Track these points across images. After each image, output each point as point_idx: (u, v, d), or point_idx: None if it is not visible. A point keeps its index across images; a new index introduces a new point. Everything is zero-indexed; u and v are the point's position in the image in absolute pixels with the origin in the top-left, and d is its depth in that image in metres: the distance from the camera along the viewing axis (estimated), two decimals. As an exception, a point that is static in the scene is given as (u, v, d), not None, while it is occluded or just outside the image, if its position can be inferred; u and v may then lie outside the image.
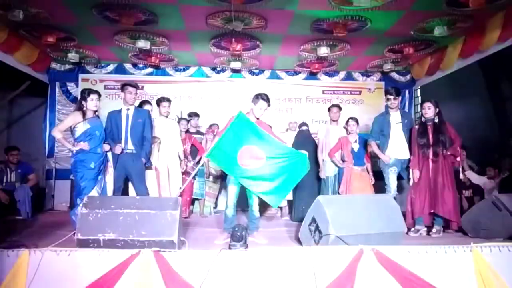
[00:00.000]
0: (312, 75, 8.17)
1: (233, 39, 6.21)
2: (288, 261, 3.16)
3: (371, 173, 5.55)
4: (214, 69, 8.03)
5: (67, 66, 7.69)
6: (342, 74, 8.22)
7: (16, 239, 4.06)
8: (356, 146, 5.53)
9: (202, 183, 6.30)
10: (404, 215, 4.39)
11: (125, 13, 5.31)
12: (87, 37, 6.30)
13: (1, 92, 7.83)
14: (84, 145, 4.46)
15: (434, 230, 4.56)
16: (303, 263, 3.12)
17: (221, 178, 6.52)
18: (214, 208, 6.75)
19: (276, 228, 5.25)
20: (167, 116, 5.59)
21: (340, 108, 6.07)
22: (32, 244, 3.45)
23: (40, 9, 5.20)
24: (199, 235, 4.61)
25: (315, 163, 6.03)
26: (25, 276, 3.00)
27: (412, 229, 4.64)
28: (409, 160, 4.94)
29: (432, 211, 4.60)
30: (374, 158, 5.63)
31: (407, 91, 8.29)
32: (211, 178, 6.53)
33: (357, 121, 5.64)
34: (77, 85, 7.80)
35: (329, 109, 6.09)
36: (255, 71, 8.08)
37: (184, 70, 7.99)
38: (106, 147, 4.58)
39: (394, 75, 8.16)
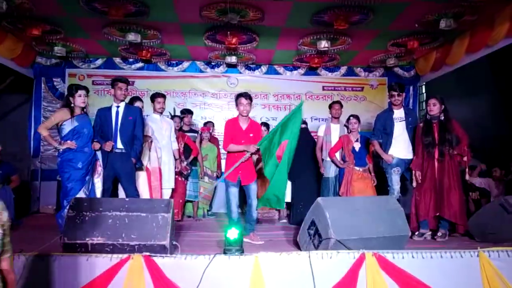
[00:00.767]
0: (312, 70, 8.17)
1: (229, 32, 6.19)
2: (286, 266, 3.17)
3: (373, 174, 5.56)
4: (208, 63, 8.01)
5: (53, 61, 7.65)
6: (343, 69, 8.22)
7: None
8: (357, 146, 5.53)
9: (195, 184, 6.29)
10: (408, 218, 4.40)
11: (115, 4, 5.28)
12: (75, 29, 6.27)
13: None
14: (71, 144, 4.44)
15: (439, 234, 4.56)
16: (301, 269, 3.13)
17: (216, 179, 6.52)
18: (209, 210, 6.74)
19: (274, 231, 5.27)
20: (161, 113, 5.57)
21: (341, 105, 6.07)
22: (16, 249, 3.43)
23: (24, 0, 5.16)
24: (193, 239, 4.61)
25: (314, 163, 6.04)
26: (8, 283, 2.99)
27: (417, 233, 4.64)
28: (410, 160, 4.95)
29: (437, 214, 4.60)
30: (376, 158, 5.64)
31: (411, 87, 8.29)
32: (206, 179, 6.52)
33: (358, 119, 5.65)
34: (63, 81, 7.78)
35: (330, 106, 6.09)
36: (251, 65, 8.08)
37: (177, 64, 7.97)
38: (97, 145, 4.57)
39: (398, 70, 8.16)
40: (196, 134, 6.53)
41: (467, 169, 4.74)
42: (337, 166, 5.69)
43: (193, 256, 3.18)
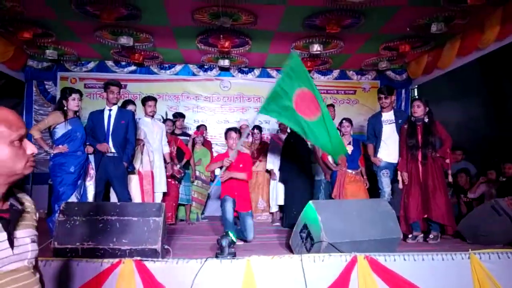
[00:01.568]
0: (305, 74, 8.17)
1: (221, 36, 6.19)
2: (278, 270, 3.16)
3: (365, 177, 5.57)
4: (201, 67, 8.00)
5: (45, 64, 7.59)
6: (336, 72, 8.24)
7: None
8: (349, 148, 5.54)
9: (187, 188, 6.27)
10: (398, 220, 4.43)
11: (106, 7, 5.26)
12: (66, 33, 6.23)
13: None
14: (63, 148, 4.42)
15: (431, 236, 4.58)
16: (294, 272, 3.13)
17: (210, 184, 6.52)
18: (202, 214, 6.73)
19: (267, 234, 5.26)
20: (153, 116, 5.56)
21: (334, 109, 6.15)
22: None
23: (15, 3, 5.13)
24: (185, 242, 4.59)
25: (307, 166, 6.05)
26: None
27: (410, 235, 4.66)
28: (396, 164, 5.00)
29: (425, 216, 4.63)
30: (368, 161, 5.66)
31: (403, 91, 8.33)
32: (198, 182, 6.50)
33: (351, 122, 5.67)
34: (55, 84, 7.73)
35: None
36: (244, 69, 8.08)
37: (169, 68, 7.96)
38: (90, 149, 4.56)
39: (390, 73, 8.20)
40: (188, 138, 6.52)
41: (449, 171, 4.76)
42: (329, 169, 5.70)
43: (185, 260, 3.16)
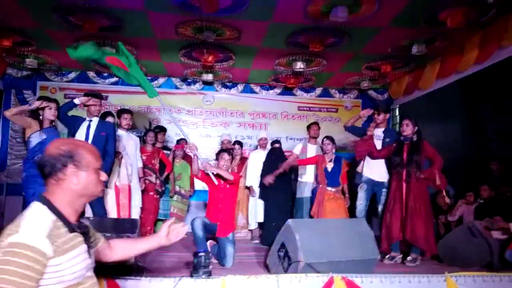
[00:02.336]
0: (288, 90, 8.23)
1: (205, 50, 6.19)
2: (255, 289, 3.09)
3: (347, 195, 5.56)
4: (184, 80, 7.96)
5: (24, 73, 7.44)
6: (319, 90, 8.31)
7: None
8: (330, 166, 5.55)
9: (166, 203, 6.18)
10: (378, 240, 4.41)
11: (89, 18, 5.20)
12: (47, 42, 6.13)
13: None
14: (39, 103, 4.42)
15: (409, 258, 4.53)
16: (270, 292, 3.06)
17: (189, 199, 6.44)
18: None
19: (244, 252, 5.18)
20: (127, 129, 5.46)
21: (319, 127, 6.22)
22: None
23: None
24: (161, 259, 4.48)
25: (287, 183, 6.03)
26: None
27: (387, 256, 4.63)
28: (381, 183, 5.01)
29: (404, 237, 4.60)
30: (351, 179, 5.68)
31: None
32: (177, 197, 6.40)
33: (332, 140, 5.68)
34: (34, 93, 7.58)
35: (308, 127, 6.21)
36: (228, 84, 8.08)
37: (152, 80, 7.86)
38: None
39: (372, 93, 8.30)
40: (169, 152, 6.44)
41: (443, 193, 4.75)
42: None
43: (158, 279, 3.06)
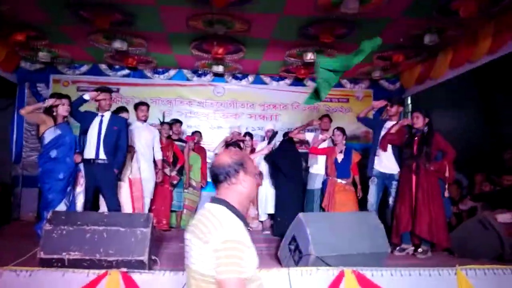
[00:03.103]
0: (298, 81, 8.19)
1: (215, 42, 6.19)
2: (266, 283, 3.14)
3: (359, 187, 5.57)
4: (195, 72, 7.98)
5: (38, 66, 7.52)
6: (330, 80, 8.24)
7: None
8: (340, 157, 5.55)
9: (180, 194, 6.26)
10: (389, 231, 4.42)
11: (101, 13, 5.24)
12: (60, 36, 6.19)
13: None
14: (53, 101, 4.52)
15: (420, 250, 4.55)
16: (281, 286, 3.12)
17: (201, 190, 6.51)
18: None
19: (256, 243, 5.19)
20: (144, 121, 5.56)
21: (331, 119, 6.27)
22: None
23: (8, 6, 5.09)
24: (174, 251, 4.56)
25: (299, 174, 6.06)
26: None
27: (398, 248, 4.65)
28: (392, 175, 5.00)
29: (411, 229, 4.60)
30: (363, 170, 5.69)
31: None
32: (189, 189, 6.48)
33: (343, 131, 5.69)
34: (47, 86, 7.67)
35: (320, 119, 6.19)
36: (238, 75, 8.07)
37: (163, 72, 7.93)
38: (78, 158, 4.53)
39: (383, 82, 8.22)
40: (184, 144, 6.50)
41: (446, 186, 4.72)
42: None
43: (172, 272, 3.14)
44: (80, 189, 4.64)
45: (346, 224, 3.73)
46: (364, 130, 7.74)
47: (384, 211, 5.62)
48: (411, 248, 4.65)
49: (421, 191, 4.54)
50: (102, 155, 4.61)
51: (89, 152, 4.56)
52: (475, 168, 7.26)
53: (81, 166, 4.63)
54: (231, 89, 8.14)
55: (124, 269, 3.06)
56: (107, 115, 4.81)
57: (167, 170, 5.87)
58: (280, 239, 4.44)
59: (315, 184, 5.90)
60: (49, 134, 4.44)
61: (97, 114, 4.81)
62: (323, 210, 5.50)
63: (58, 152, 4.40)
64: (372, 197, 5.08)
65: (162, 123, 6.29)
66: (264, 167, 6.32)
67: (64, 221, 3.33)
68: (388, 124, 5.17)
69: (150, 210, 5.35)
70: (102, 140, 4.66)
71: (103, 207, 4.74)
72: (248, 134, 6.89)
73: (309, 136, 6.24)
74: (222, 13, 5.16)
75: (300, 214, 3.65)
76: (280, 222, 5.65)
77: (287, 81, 8.19)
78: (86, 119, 4.78)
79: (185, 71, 7.96)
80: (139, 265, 3.18)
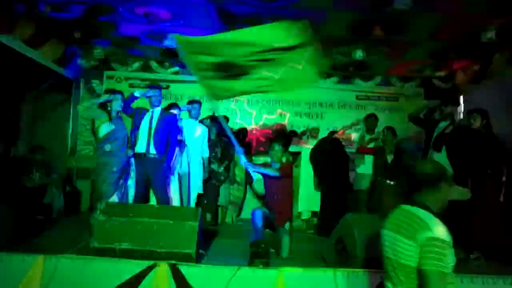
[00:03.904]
0: (346, 79, 8.06)
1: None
2: (311, 282, 3.13)
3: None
4: (243, 69, 8.02)
5: (92, 63, 7.84)
6: (378, 78, 8.06)
7: (36, 241, 4.21)
8: (390, 157, 5.42)
9: (227, 191, 6.34)
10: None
11: (151, 10, 5.38)
12: (114, 34, 6.43)
13: (26, 88, 8.09)
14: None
15: (472, 256, 4.37)
16: (326, 286, 3.09)
17: (245, 186, 6.55)
18: (237, 217, 6.77)
19: (300, 242, 5.20)
20: (196, 118, 5.68)
21: (377, 118, 6.09)
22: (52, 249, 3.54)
23: (68, 6, 5.35)
24: (221, 246, 4.63)
25: (345, 174, 5.97)
26: (39, 283, 3.10)
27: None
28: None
29: (468, 234, 4.40)
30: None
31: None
32: (235, 185, 6.56)
33: (392, 130, 5.54)
34: (101, 83, 7.99)
35: (365, 118, 6.06)
36: (285, 73, 8.04)
37: (212, 70, 8.02)
38: (130, 152, 4.69)
39: (436, 81, 7.91)
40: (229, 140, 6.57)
41: (502, 190, 4.48)
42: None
43: (218, 267, 3.19)
44: (131, 182, 4.79)
45: (394, 226, 3.62)
46: (415, 130, 7.50)
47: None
48: (463, 254, 4.46)
49: (479, 196, 4.34)
50: (153, 150, 4.73)
51: (140, 147, 4.70)
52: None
53: (133, 160, 4.78)
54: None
55: (173, 261, 3.14)
56: (157, 111, 4.92)
57: (214, 166, 5.96)
58: (325, 239, 4.40)
59: (362, 184, 5.79)
60: (104, 129, 4.62)
61: (148, 110, 4.94)
62: (370, 211, 5.39)
63: (112, 146, 4.57)
64: None
65: (213, 121, 6.37)
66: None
67: (117, 213, 3.46)
68: (442, 124, 4.98)
69: (197, 204, 5.45)
70: (152, 135, 4.78)
71: (152, 200, 4.88)
72: (293, 132, 6.86)
73: (355, 136, 6.14)
74: (271, 9, 5.15)
75: (348, 215, 3.60)
76: (325, 222, 5.58)
77: (334, 79, 8.08)
78: (138, 115, 4.92)
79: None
80: (187, 258, 3.24)
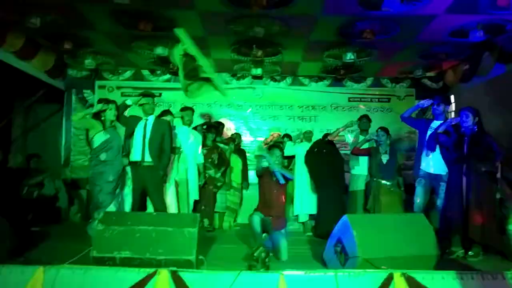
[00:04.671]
0: (337, 82, 8.12)
1: (254, 45, 6.24)
2: (312, 285, 3.13)
3: (402, 189, 5.45)
4: (234, 75, 8.06)
5: (84, 73, 7.85)
6: (370, 80, 8.14)
7: (32, 252, 4.17)
8: (385, 158, 5.46)
9: (223, 196, 6.34)
10: (437, 233, 4.29)
11: (143, 20, 5.39)
12: (104, 43, 6.43)
13: (17, 99, 8.05)
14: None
15: (471, 253, 4.40)
16: (329, 287, 3.09)
17: (241, 191, 6.56)
18: (234, 222, 6.76)
19: (299, 245, 5.22)
20: (189, 125, 5.68)
21: (370, 119, 6.16)
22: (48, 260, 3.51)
23: (57, 16, 5.33)
24: (220, 252, 4.63)
25: (340, 175, 6.00)
26: (40, 294, 3.06)
27: (447, 250, 4.51)
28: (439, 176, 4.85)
29: (465, 231, 4.44)
30: (405, 171, 5.56)
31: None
32: (230, 190, 6.55)
33: (386, 131, 5.59)
34: (93, 92, 7.97)
35: (359, 119, 6.12)
36: (277, 77, 8.09)
37: (202, 76, 8.04)
38: (125, 161, 4.68)
39: (426, 81, 8.02)
40: (226, 147, 6.58)
41: (498, 186, 4.53)
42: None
43: (219, 272, 3.18)
44: (127, 190, 4.78)
45: (393, 225, 3.65)
46: (407, 130, 7.58)
47: (429, 213, 5.47)
48: (461, 251, 4.50)
49: (475, 193, 4.38)
50: (148, 158, 4.72)
51: (135, 155, 4.69)
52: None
53: (128, 168, 4.77)
54: (269, 91, 8.17)
55: (173, 268, 3.12)
56: (151, 119, 4.92)
57: (211, 172, 5.97)
58: (323, 241, 4.41)
59: (358, 185, 5.83)
60: (98, 138, 4.61)
61: (141, 118, 4.93)
62: (366, 212, 5.42)
63: (107, 155, 4.57)
64: (419, 198, 4.94)
65: (209, 127, 6.39)
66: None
67: (115, 222, 3.44)
68: (434, 123, 5.03)
69: (194, 210, 5.45)
70: (147, 143, 4.78)
71: (150, 207, 4.86)
72: (287, 135, 6.89)
73: (348, 137, 6.17)
74: (261, 15, 5.19)
75: (346, 216, 3.61)
76: (322, 223, 5.60)
77: (326, 82, 8.15)
78: (131, 123, 4.92)
79: (224, 74, 8.05)
80: (187, 265, 3.23)
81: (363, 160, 5.84)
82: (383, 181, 5.33)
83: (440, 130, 4.80)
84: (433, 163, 4.90)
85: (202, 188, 5.76)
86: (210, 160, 5.98)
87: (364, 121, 6.11)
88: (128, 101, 4.91)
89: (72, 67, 7.73)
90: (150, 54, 6.64)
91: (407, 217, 4.18)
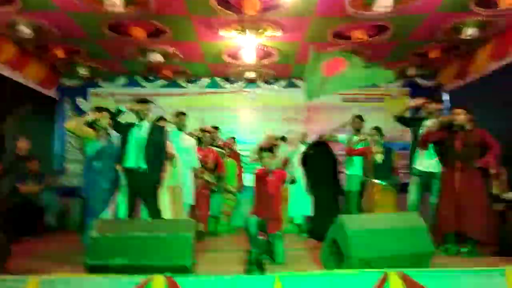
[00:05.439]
0: (331, 83, 8.14)
1: (247, 49, 6.27)
2: (309, 285, 3.14)
3: (397, 187, 5.46)
4: (227, 79, 8.09)
5: (77, 81, 7.86)
6: (363, 80, 8.17)
7: (28, 262, 4.17)
8: (379, 158, 5.47)
9: (218, 200, 6.34)
10: (431, 230, 4.31)
11: (136, 28, 5.42)
12: (98, 51, 6.45)
13: (9, 109, 8.02)
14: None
15: (464, 249, 4.41)
16: (324, 289, 3.10)
17: (236, 195, 6.57)
18: (229, 225, 6.77)
19: (295, 246, 5.22)
20: (184, 130, 5.70)
21: (363, 119, 6.17)
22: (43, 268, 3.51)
23: (49, 26, 5.35)
24: (214, 256, 4.63)
25: (335, 176, 6.02)
26: (36, 304, 3.05)
27: (442, 247, 4.52)
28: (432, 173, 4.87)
29: (458, 229, 4.45)
30: (399, 170, 5.57)
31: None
32: (225, 194, 6.56)
33: (379, 130, 5.60)
34: (86, 100, 7.97)
35: (352, 120, 6.14)
36: (271, 80, 8.12)
37: (196, 81, 8.08)
38: (119, 167, 4.68)
39: (420, 80, 8.06)
40: (223, 150, 6.59)
41: (493, 182, 4.56)
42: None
43: (215, 276, 3.18)
44: (122, 197, 4.77)
45: (387, 224, 3.66)
46: (400, 129, 7.60)
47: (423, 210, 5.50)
48: (455, 248, 4.51)
49: (466, 190, 4.40)
50: (142, 164, 4.70)
51: (130, 161, 4.68)
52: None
53: (123, 175, 4.76)
54: (263, 94, 8.20)
55: (169, 274, 3.13)
56: (145, 125, 4.92)
57: (206, 176, 5.97)
58: (319, 242, 4.42)
59: (353, 185, 5.85)
60: (93, 146, 4.61)
61: (136, 125, 4.92)
62: (361, 212, 5.43)
63: (102, 162, 4.56)
64: (413, 196, 4.97)
65: (203, 131, 6.39)
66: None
67: (110, 229, 3.44)
68: (427, 122, 5.06)
69: (189, 215, 5.45)
70: (141, 149, 4.76)
71: (144, 214, 4.85)
72: (281, 137, 6.91)
73: (342, 138, 6.19)
74: (253, 19, 5.22)
75: (341, 216, 3.62)
76: (317, 224, 5.61)
77: (320, 83, 8.15)
78: (125, 130, 4.91)
79: (218, 79, 8.09)
80: (183, 270, 3.23)
81: (358, 160, 5.86)
82: (377, 181, 5.33)
83: (432, 129, 4.83)
84: (426, 161, 4.93)
85: (197, 193, 5.75)
86: (205, 164, 5.98)
87: (357, 121, 6.12)
88: (122, 108, 4.90)
89: (65, 75, 7.72)
90: (143, 61, 6.67)
91: (402, 216, 4.19)
